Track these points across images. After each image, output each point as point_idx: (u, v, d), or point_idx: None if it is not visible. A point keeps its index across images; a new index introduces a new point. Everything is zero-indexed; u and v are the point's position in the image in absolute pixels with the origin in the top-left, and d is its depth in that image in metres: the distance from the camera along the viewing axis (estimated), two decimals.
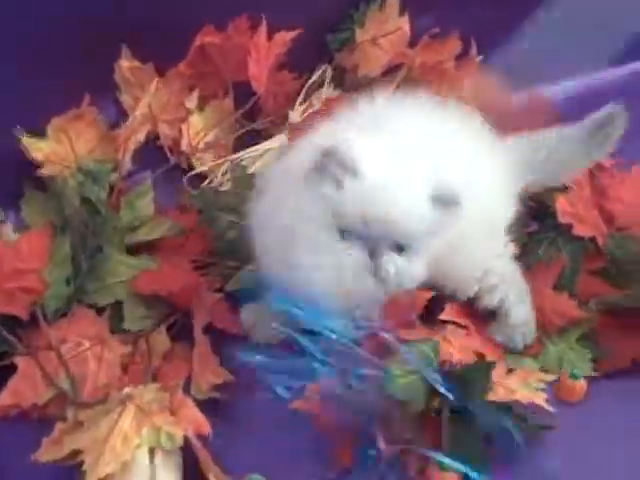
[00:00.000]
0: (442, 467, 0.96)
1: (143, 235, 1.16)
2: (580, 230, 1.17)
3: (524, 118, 1.26)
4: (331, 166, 0.91)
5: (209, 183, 1.26)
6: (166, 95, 1.27)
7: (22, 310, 1.05)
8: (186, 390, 1.01)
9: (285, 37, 1.27)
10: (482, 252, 1.07)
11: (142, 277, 1.10)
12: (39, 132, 1.21)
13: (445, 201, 0.94)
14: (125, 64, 1.25)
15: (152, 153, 1.27)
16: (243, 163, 1.25)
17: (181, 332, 1.09)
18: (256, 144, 1.28)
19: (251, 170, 1.24)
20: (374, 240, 0.93)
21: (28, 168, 1.19)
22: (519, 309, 1.10)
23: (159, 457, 0.90)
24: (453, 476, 0.96)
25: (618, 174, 1.23)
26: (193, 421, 0.92)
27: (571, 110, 1.36)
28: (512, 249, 1.11)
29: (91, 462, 0.87)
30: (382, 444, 0.92)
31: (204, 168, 1.27)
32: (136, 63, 1.26)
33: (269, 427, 0.99)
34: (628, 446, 1.03)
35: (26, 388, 1.01)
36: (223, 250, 1.15)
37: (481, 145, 1.09)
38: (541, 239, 1.18)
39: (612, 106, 1.14)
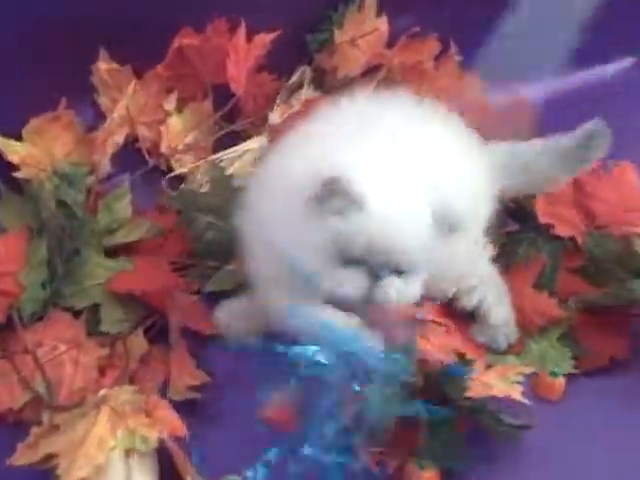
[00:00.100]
0: (420, 465, 0.96)
1: (121, 237, 1.16)
2: (560, 230, 1.16)
3: (503, 118, 1.26)
4: (334, 198, 0.90)
5: (187, 185, 1.25)
6: (144, 97, 1.26)
7: None
8: (164, 392, 1.01)
9: (264, 39, 1.27)
10: (460, 254, 1.07)
11: (118, 278, 1.10)
12: (15, 135, 1.21)
13: (447, 227, 0.93)
14: (103, 66, 1.25)
15: (131, 155, 1.27)
16: (222, 164, 1.24)
17: (159, 334, 1.08)
18: (235, 146, 1.28)
19: (230, 171, 1.23)
20: (375, 267, 0.92)
21: (4, 171, 1.19)
22: (498, 310, 1.10)
23: (134, 459, 0.89)
24: (432, 474, 0.96)
25: (599, 173, 1.23)
26: (169, 423, 0.92)
27: (551, 111, 1.37)
28: (490, 251, 1.11)
29: (65, 466, 0.87)
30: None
31: (183, 170, 1.26)
32: (114, 65, 1.25)
33: (246, 428, 0.98)
34: (607, 444, 1.03)
35: (2, 392, 1.01)
36: (202, 251, 1.15)
37: (460, 145, 1.08)
38: (521, 239, 1.18)
39: (596, 122, 1.11)
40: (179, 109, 1.29)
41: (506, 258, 1.15)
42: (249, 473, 0.88)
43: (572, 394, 1.08)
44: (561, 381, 1.07)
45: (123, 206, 1.17)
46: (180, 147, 1.27)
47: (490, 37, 1.38)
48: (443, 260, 0.98)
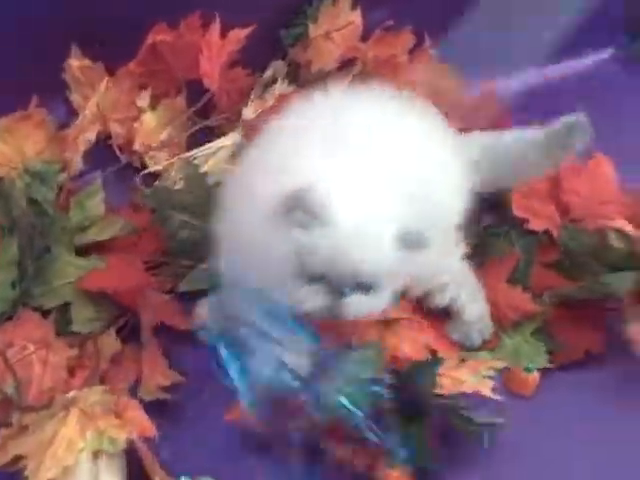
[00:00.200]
0: (391, 464, 0.96)
1: (93, 235, 1.15)
2: (535, 224, 1.16)
3: (476, 111, 1.25)
4: (297, 212, 0.90)
5: (162, 181, 1.25)
6: (117, 94, 1.25)
7: None
8: (135, 392, 1.01)
9: (238, 34, 1.26)
10: (432, 251, 1.06)
11: (90, 276, 1.09)
12: None
13: (412, 244, 0.93)
14: (75, 63, 1.24)
15: (104, 153, 1.26)
16: (196, 161, 1.24)
17: (131, 333, 1.08)
18: (210, 142, 1.27)
19: (204, 168, 1.23)
20: (338, 283, 0.92)
21: None
22: (472, 307, 1.10)
23: (102, 461, 0.89)
24: (402, 473, 0.96)
25: (574, 166, 1.23)
26: (138, 424, 0.92)
27: (528, 102, 1.36)
28: (463, 247, 1.10)
29: (33, 467, 0.87)
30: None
31: (157, 167, 1.26)
32: (86, 62, 1.25)
33: (218, 429, 0.98)
34: (581, 438, 1.03)
35: None
36: (176, 249, 1.14)
37: (435, 141, 1.07)
38: (495, 232, 1.18)
39: (577, 115, 1.10)
40: (152, 106, 1.28)
41: (481, 253, 1.14)
42: None
43: (547, 388, 1.08)
44: (535, 376, 1.07)
45: (95, 204, 1.16)
46: (154, 144, 1.27)
47: (465, 30, 1.37)
48: (412, 269, 0.97)
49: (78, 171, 1.21)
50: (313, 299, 0.92)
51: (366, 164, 0.96)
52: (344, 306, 0.92)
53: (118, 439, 0.89)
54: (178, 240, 1.14)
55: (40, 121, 1.22)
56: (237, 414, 0.97)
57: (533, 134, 1.12)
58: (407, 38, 1.33)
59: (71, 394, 0.94)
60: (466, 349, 1.10)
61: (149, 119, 1.28)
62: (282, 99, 1.26)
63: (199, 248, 1.09)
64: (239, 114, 1.29)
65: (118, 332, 1.07)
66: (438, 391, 0.98)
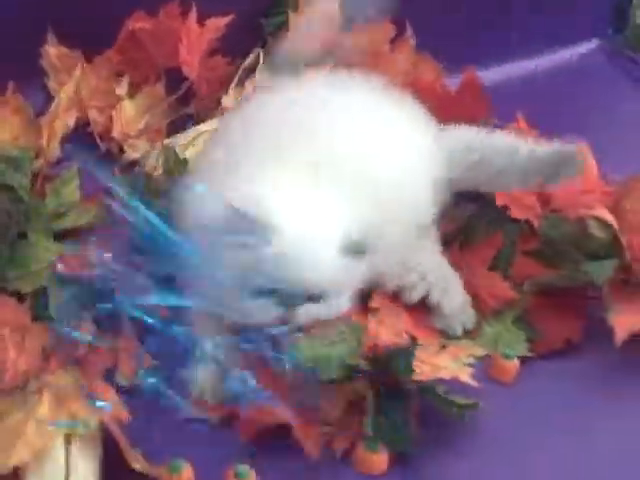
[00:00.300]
0: (369, 448, 0.95)
1: (70, 222, 1.14)
2: (516, 213, 1.16)
3: (458, 102, 1.25)
4: (238, 229, 0.89)
5: (141, 168, 1.24)
6: (94, 81, 1.25)
7: None
8: (112, 377, 1.00)
9: (218, 23, 1.27)
10: (399, 248, 1.05)
11: (65, 260, 1.07)
12: None
13: (354, 251, 0.92)
14: (52, 50, 1.24)
15: (82, 140, 1.25)
16: (176, 149, 1.23)
17: (108, 319, 1.06)
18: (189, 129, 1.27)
19: (184, 155, 1.22)
20: (288, 296, 0.91)
21: None
22: (448, 301, 1.09)
23: (76, 445, 0.88)
24: (381, 457, 0.95)
25: None
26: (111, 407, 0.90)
27: (508, 94, 1.36)
28: (436, 244, 1.10)
29: (4, 451, 0.85)
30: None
31: (136, 155, 1.25)
32: (63, 49, 1.24)
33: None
34: (561, 427, 1.02)
35: None
36: None
37: (400, 134, 1.07)
38: (478, 220, 1.17)
39: (570, 146, 1.08)
40: (131, 94, 1.28)
41: (462, 239, 1.14)
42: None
43: (527, 377, 1.07)
44: (515, 363, 1.07)
45: (70, 190, 1.15)
46: (132, 132, 1.26)
47: (447, 19, 1.37)
48: (364, 273, 0.97)
49: (55, 158, 1.21)
50: (263, 312, 0.91)
51: (312, 171, 0.95)
52: (296, 317, 0.92)
53: (91, 422, 0.88)
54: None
55: (17, 107, 1.21)
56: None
57: (523, 149, 1.10)
58: (388, 28, 1.32)
59: (44, 378, 0.92)
60: (447, 337, 1.09)
61: (128, 107, 1.28)
62: (260, 89, 1.25)
63: None
64: (219, 102, 1.29)
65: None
66: (417, 377, 0.97)
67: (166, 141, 1.25)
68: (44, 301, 1.06)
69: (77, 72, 1.22)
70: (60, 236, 1.13)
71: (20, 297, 1.06)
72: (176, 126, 1.28)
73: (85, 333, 0.96)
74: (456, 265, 1.11)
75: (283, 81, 1.08)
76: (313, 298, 0.92)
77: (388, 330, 1.05)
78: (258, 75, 1.30)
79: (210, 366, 0.95)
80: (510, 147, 1.10)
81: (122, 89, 1.27)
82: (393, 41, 1.34)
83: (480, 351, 1.05)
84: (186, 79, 1.27)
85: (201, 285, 0.93)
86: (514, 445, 1.00)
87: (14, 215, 1.10)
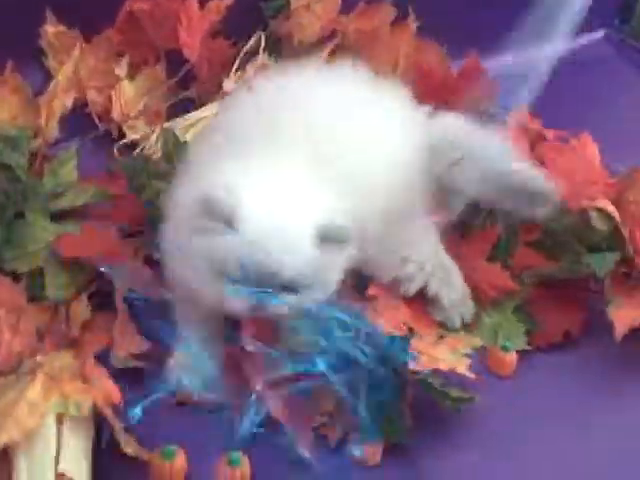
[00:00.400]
0: (364, 438, 0.94)
1: (68, 202, 1.13)
2: None
3: (460, 86, 1.24)
4: (207, 218, 0.88)
5: (141, 151, 1.23)
6: (93, 61, 1.24)
7: None
8: (107, 359, 0.99)
9: (219, 5, 1.26)
10: (395, 241, 1.04)
11: (63, 241, 1.07)
12: None
13: (333, 241, 0.91)
14: (50, 29, 1.23)
15: (82, 120, 1.24)
16: (176, 131, 1.22)
17: (104, 301, 1.06)
18: (190, 112, 1.26)
19: (184, 138, 1.21)
20: (260, 285, 0.89)
21: None
22: (446, 292, 1.07)
23: (67, 425, 0.87)
24: (375, 448, 0.95)
25: (557, 146, 1.21)
26: (104, 389, 0.90)
27: (514, 83, 1.35)
28: (433, 235, 1.08)
29: None
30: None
31: (136, 136, 1.24)
32: (61, 28, 1.23)
33: None
34: (560, 419, 1.02)
35: None
36: (152, 218, 1.12)
37: (395, 123, 1.05)
38: (478, 210, 1.16)
39: (548, 185, 1.04)
40: (131, 75, 1.27)
41: (462, 229, 1.13)
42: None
43: (525, 370, 1.06)
44: (512, 356, 1.06)
45: (68, 170, 1.15)
46: (132, 113, 1.25)
47: (450, 6, 1.36)
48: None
49: (54, 138, 1.20)
50: (237, 300, 0.89)
51: (286, 158, 0.94)
52: (269, 307, 0.90)
53: (83, 403, 0.87)
54: (155, 209, 1.12)
55: (15, 87, 1.21)
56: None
57: (505, 164, 1.05)
58: (389, 10, 1.31)
59: (38, 358, 0.92)
60: (446, 329, 1.08)
61: (127, 88, 1.27)
62: (262, 72, 1.25)
63: None
64: (219, 85, 1.28)
65: (90, 299, 1.05)
66: (414, 367, 0.96)
67: (166, 125, 1.24)
68: (40, 281, 1.05)
69: (76, 52, 1.20)
70: (57, 216, 1.13)
71: (16, 277, 1.05)
72: (176, 109, 1.27)
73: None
74: (455, 256, 1.10)
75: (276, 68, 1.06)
76: (287, 287, 0.90)
77: (386, 320, 1.04)
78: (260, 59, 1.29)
79: (191, 354, 0.93)
80: (495, 153, 1.07)
81: (121, 70, 1.26)
82: (394, 24, 1.32)
83: (478, 342, 1.04)
84: (187, 62, 1.25)
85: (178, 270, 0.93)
86: (511, 438, 0.99)
87: (11, 195, 1.09)
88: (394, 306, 1.06)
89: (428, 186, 1.05)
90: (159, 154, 1.21)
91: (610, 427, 1.01)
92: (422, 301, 1.08)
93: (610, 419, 1.02)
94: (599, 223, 1.11)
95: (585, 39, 1.48)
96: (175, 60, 1.27)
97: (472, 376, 0.97)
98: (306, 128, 0.96)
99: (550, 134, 1.23)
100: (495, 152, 1.06)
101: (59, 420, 0.87)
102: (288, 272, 0.89)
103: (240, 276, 0.89)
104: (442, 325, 1.08)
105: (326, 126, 0.98)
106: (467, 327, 1.08)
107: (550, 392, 1.04)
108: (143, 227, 1.13)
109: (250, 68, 1.28)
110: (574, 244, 1.11)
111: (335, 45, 1.29)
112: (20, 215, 1.09)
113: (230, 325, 0.96)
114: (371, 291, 1.06)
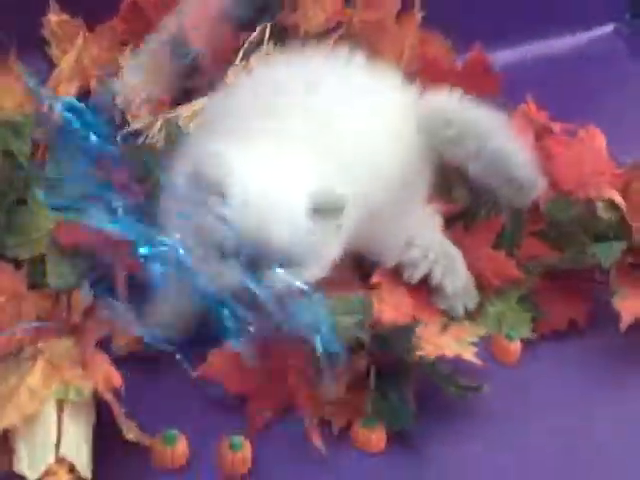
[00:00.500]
0: (367, 426, 0.93)
1: None
2: None
3: (465, 78, 1.23)
4: (199, 188, 0.88)
5: (144, 140, 1.22)
6: (96, 50, 1.24)
7: None
8: (108, 346, 0.98)
9: None
10: (399, 223, 1.04)
11: (64, 228, 1.06)
12: None
13: (327, 211, 0.89)
14: (54, 18, 1.24)
15: None
16: (180, 121, 1.22)
17: (106, 287, 1.05)
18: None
19: (187, 128, 1.21)
20: (253, 259, 0.88)
21: None
22: (451, 280, 1.07)
23: (68, 411, 0.87)
24: (379, 435, 0.94)
25: (564, 138, 1.21)
26: (104, 375, 0.89)
27: (523, 76, 1.35)
28: (437, 222, 1.08)
29: None
30: None
31: (139, 125, 1.24)
32: (65, 17, 1.23)
33: (187, 382, 0.95)
34: (564, 409, 1.01)
35: None
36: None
37: (396, 108, 1.05)
38: (483, 199, 1.15)
39: (537, 180, 1.05)
40: None
41: (466, 218, 1.12)
42: None
43: (530, 360, 1.06)
44: (517, 345, 1.05)
45: None
46: (136, 101, 1.25)
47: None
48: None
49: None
50: (230, 274, 0.88)
51: (279, 133, 0.93)
52: (264, 285, 0.88)
53: (84, 389, 0.87)
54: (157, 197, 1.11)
55: (19, 75, 1.20)
56: (208, 370, 0.96)
57: (497, 140, 1.05)
58: (394, 2, 1.31)
59: (39, 345, 0.91)
60: (449, 318, 1.07)
61: None
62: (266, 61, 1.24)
63: None
64: (224, 75, 1.27)
65: (92, 286, 1.05)
66: (419, 355, 0.96)
67: (170, 113, 1.23)
68: (41, 268, 1.05)
69: (79, 41, 1.21)
70: None
71: (17, 264, 1.05)
72: (181, 99, 1.26)
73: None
74: (459, 245, 1.10)
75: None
76: (281, 262, 0.88)
77: (390, 307, 1.04)
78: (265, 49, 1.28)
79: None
80: (488, 130, 1.06)
81: (125, 59, 1.25)
82: (399, 14, 1.32)
83: (483, 330, 1.03)
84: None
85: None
86: (515, 427, 0.99)
87: (14, 182, 1.09)
88: (398, 294, 1.06)
89: (429, 160, 1.05)
90: (162, 143, 1.20)
91: (614, 417, 1.01)
92: (426, 290, 1.08)
93: (614, 409, 1.01)
94: (605, 213, 1.11)
95: (595, 33, 1.47)
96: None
97: (479, 363, 0.97)
98: (303, 104, 0.96)
99: (557, 127, 1.22)
100: (488, 128, 1.06)
101: (59, 406, 0.86)
102: (278, 242, 0.87)
103: (230, 248, 0.87)
104: (446, 314, 1.07)
105: (324, 99, 0.98)
106: (471, 316, 1.08)
107: (554, 382, 1.04)
108: None
109: (254, 59, 1.28)
110: (580, 234, 1.11)
111: (340, 36, 1.29)
112: (22, 202, 1.09)
113: None
114: (375, 279, 1.05)
